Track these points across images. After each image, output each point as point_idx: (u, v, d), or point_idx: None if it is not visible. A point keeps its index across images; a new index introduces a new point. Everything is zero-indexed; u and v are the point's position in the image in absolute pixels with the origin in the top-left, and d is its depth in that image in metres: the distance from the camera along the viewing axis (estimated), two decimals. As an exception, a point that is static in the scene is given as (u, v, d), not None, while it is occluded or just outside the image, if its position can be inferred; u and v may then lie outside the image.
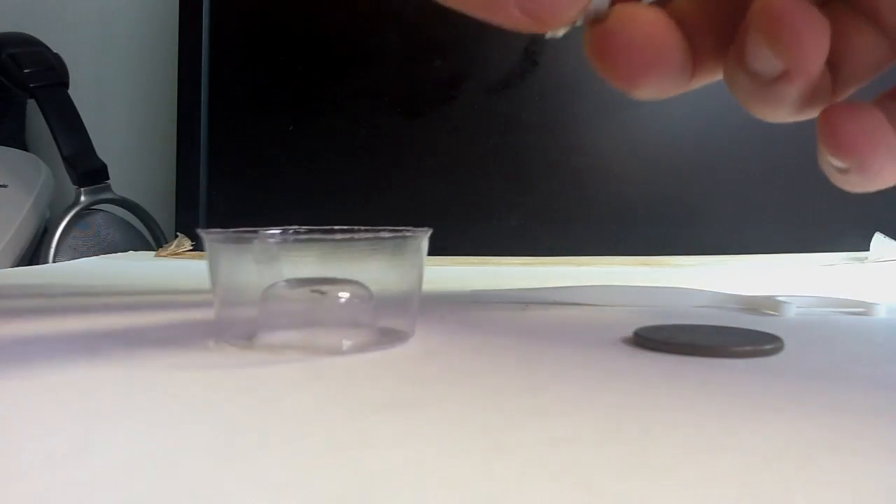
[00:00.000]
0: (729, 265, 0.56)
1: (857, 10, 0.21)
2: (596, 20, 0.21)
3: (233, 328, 0.24)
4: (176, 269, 0.56)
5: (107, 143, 0.75)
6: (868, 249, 0.54)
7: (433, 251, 0.25)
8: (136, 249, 0.69)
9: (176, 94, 0.72)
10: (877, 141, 0.20)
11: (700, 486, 0.13)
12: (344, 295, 0.23)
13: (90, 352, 0.23)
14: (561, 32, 0.21)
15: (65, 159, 0.68)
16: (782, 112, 0.21)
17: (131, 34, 0.83)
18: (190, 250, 0.66)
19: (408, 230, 0.24)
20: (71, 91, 0.71)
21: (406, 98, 0.68)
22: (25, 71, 0.68)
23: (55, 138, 0.68)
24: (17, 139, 0.79)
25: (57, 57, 0.71)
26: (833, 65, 0.21)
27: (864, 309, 0.32)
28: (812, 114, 0.21)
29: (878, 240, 0.54)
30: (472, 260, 0.60)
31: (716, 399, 0.18)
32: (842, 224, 0.59)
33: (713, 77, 0.22)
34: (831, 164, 0.21)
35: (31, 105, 0.75)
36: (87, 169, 0.69)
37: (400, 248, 0.24)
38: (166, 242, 0.70)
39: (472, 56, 0.67)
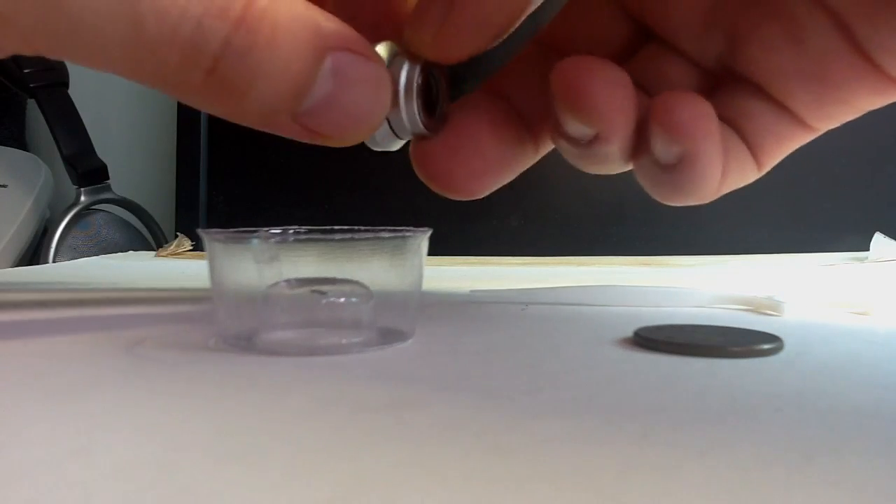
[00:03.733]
0: (729, 265, 0.56)
1: (665, 46, 0.21)
2: (422, 136, 0.20)
3: (233, 328, 0.24)
4: (176, 269, 0.56)
5: (107, 143, 0.75)
6: (868, 249, 0.54)
7: (433, 251, 0.25)
8: (136, 249, 0.69)
9: (176, 94, 0.72)
10: (708, 129, 0.19)
11: (700, 486, 0.13)
12: (344, 295, 0.23)
13: (90, 352, 0.23)
14: (395, 146, 0.21)
15: (65, 159, 0.68)
16: (613, 167, 0.21)
17: (131, 34, 0.83)
18: (190, 250, 0.65)
19: (408, 230, 0.24)
20: (71, 91, 0.71)
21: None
22: (25, 71, 0.68)
23: (55, 138, 0.68)
24: (17, 139, 0.79)
25: (57, 57, 0.71)
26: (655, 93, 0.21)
27: (864, 309, 0.32)
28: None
29: (878, 240, 0.54)
30: (472, 260, 0.60)
31: (716, 399, 0.18)
32: (842, 224, 0.59)
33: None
34: (658, 160, 0.20)
35: (31, 105, 0.75)
36: (87, 169, 0.69)
37: (400, 248, 0.24)
38: (166, 242, 0.70)
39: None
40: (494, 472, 0.13)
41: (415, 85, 0.19)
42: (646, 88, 0.21)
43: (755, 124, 0.20)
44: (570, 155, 0.21)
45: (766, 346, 0.23)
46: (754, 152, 0.20)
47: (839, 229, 0.59)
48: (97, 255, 0.66)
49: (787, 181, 0.62)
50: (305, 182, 0.70)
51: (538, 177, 0.73)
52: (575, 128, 0.19)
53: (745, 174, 0.21)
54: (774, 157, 0.21)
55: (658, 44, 0.21)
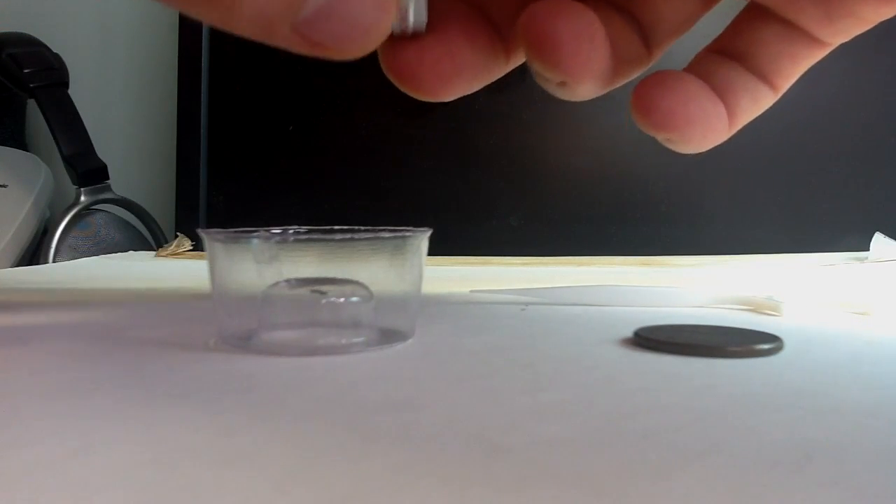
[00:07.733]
0: (729, 265, 0.56)
1: None
2: (416, 33, 0.19)
3: (233, 328, 0.24)
4: (176, 269, 0.56)
5: (107, 143, 0.75)
6: (868, 249, 0.54)
7: (433, 251, 0.25)
8: (136, 249, 0.69)
9: (176, 94, 0.72)
10: (691, 112, 0.20)
11: (700, 486, 0.13)
12: (344, 295, 0.23)
13: (90, 352, 0.23)
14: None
15: (65, 159, 0.68)
16: (588, 94, 0.20)
17: (131, 34, 0.83)
18: (190, 250, 0.65)
19: (408, 230, 0.24)
20: (71, 91, 0.71)
21: (406, 98, 0.68)
22: (25, 71, 0.68)
23: (55, 138, 0.68)
24: (17, 139, 0.79)
25: (57, 57, 0.71)
26: (644, 27, 0.21)
27: (864, 309, 0.32)
28: (625, 80, 0.21)
29: (878, 240, 0.54)
30: (472, 260, 0.60)
31: (716, 399, 0.18)
32: (842, 224, 0.59)
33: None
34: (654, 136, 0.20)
35: (31, 105, 0.75)
36: (87, 169, 0.69)
37: (400, 248, 0.24)
38: (166, 242, 0.70)
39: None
40: (494, 472, 0.13)
41: None
42: (631, 11, 0.21)
43: (768, 49, 0.20)
44: (541, 83, 0.20)
45: (766, 346, 0.23)
46: (769, 77, 0.20)
47: (839, 229, 0.59)
48: (97, 255, 0.66)
49: (787, 181, 0.62)
50: (305, 182, 0.70)
51: (538, 177, 0.73)
52: (543, 75, 0.19)
53: (759, 103, 0.21)
54: (791, 77, 0.21)
55: None
